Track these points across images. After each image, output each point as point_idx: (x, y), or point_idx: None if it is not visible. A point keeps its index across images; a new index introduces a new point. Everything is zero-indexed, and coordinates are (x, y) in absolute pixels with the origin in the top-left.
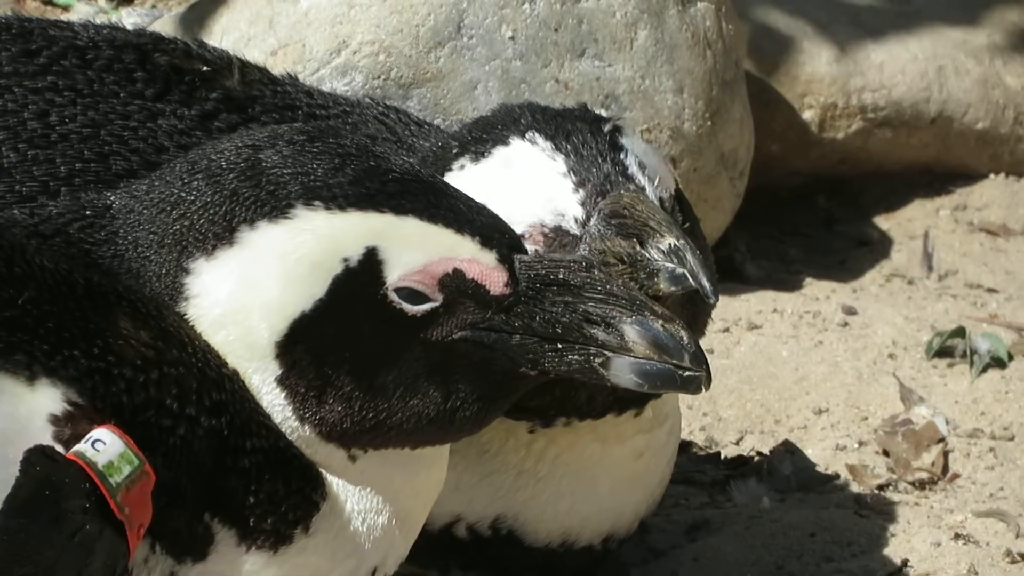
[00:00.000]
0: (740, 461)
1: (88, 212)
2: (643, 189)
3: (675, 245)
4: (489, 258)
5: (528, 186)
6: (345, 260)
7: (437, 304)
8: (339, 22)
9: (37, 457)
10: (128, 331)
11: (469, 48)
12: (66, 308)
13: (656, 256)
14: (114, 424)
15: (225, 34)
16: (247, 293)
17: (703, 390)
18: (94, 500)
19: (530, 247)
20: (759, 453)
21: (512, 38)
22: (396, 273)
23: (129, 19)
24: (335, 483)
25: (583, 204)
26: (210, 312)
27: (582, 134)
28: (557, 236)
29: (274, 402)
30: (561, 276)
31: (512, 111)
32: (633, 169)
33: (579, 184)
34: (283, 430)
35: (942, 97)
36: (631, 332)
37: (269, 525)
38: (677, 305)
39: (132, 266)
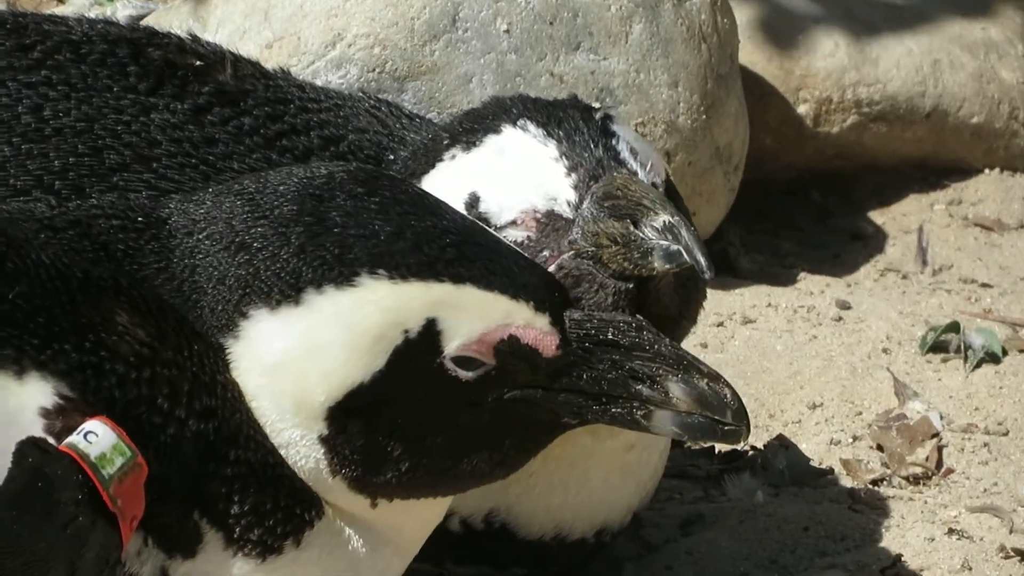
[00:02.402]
0: (734, 455)
1: (139, 218)
2: (635, 174)
3: (669, 222)
4: (543, 322)
5: (520, 172)
6: (406, 332)
7: (490, 368)
8: (334, 15)
9: (30, 449)
10: (125, 327)
11: (464, 41)
12: (59, 303)
13: (650, 235)
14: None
15: (220, 27)
16: (307, 354)
17: (743, 442)
18: (87, 492)
19: (522, 232)
20: (753, 447)
21: (507, 31)
22: (455, 343)
23: (124, 11)
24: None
25: (576, 188)
26: (261, 358)
27: (573, 121)
28: (550, 220)
29: (309, 454)
30: (611, 336)
31: (502, 102)
32: (625, 154)
33: (571, 168)
34: (306, 475)
35: (937, 92)
36: (676, 389)
37: (256, 535)
38: (669, 289)
39: (183, 288)
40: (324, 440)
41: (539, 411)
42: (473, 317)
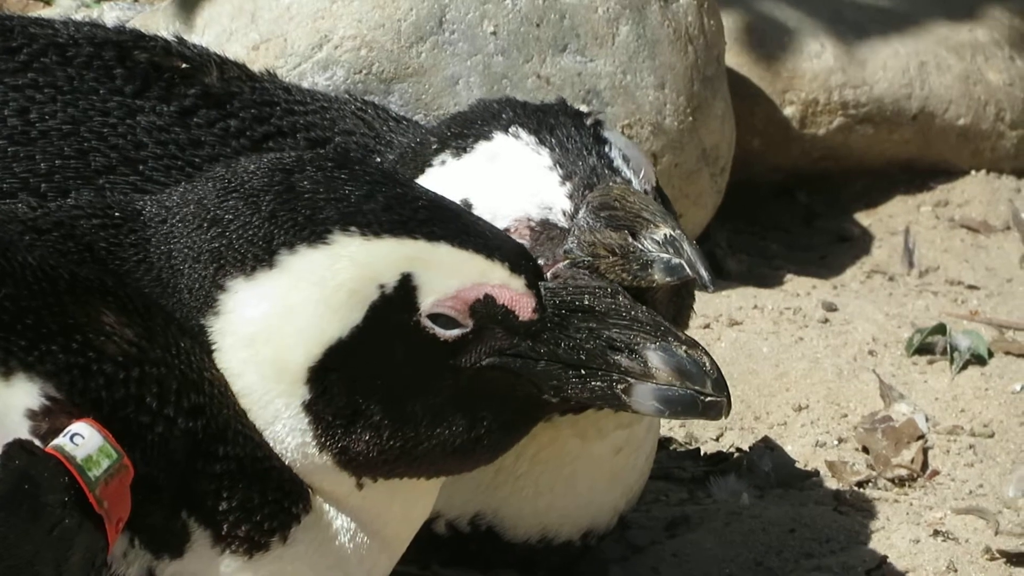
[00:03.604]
0: (720, 457)
1: (116, 214)
2: (629, 182)
3: (671, 235)
4: (518, 284)
5: (513, 180)
6: (381, 287)
7: (467, 330)
8: (321, 17)
9: (16, 451)
10: (112, 327)
11: (451, 43)
12: (46, 304)
13: (650, 247)
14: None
15: (207, 28)
16: (284, 316)
17: (723, 416)
18: (73, 494)
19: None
20: (739, 449)
21: (494, 33)
22: (430, 299)
23: (111, 13)
24: (324, 500)
25: (571, 197)
26: (241, 329)
27: (566, 128)
28: (544, 230)
29: (295, 427)
30: (586, 302)
31: (491, 106)
32: (618, 162)
33: (566, 177)
34: (293, 454)
35: (924, 93)
36: (654, 358)
37: (243, 532)
38: (665, 299)
39: (162, 276)
40: (307, 406)
41: (518, 382)
42: (448, 274)
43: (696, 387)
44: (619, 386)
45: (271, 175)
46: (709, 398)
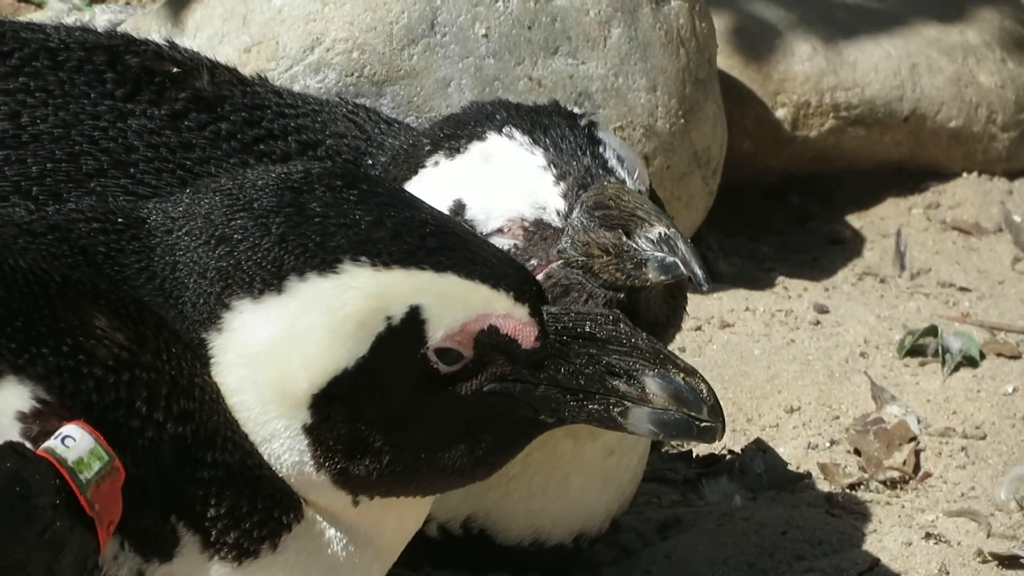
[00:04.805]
0: (712, 459)
1: (119, 220)
2: (623, 182)
3: (665, 233)
4: (522, 313)
5: (507, 180)
6: (388, 319)
7: (468, 360)
8: (313, 19)
9: (7, 453)
10: (103, 331)
11: (442, 45)
12: (36, 307)
13: (645, 246)
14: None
15: (199, 31)
16: (289, 342)
17: (718, 440)
18: (64, 496)
19: (509, 241)
20: (731, 451)
21: (485, 36)
22: (439, 333)
23: (102, 16)
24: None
25: (565, 196)
26: (244, 348)
27: (560, 128)
28: (538, 229)
29: (293, 447)
30: (587, 329)
31: (484, 108)
32: (613, 162)
33: (560, 177)
34: (289, 471)
35: (915, 95)
36: (652, 384)
37: (232, 538)
38: (659, 299)
39: (165, 286)
40: (308, 430)
41: (517, 406)
42: (455, 306)
43: (692, 413)
44: (616, 409)
45: (280, 194)
46: (704, 423)
